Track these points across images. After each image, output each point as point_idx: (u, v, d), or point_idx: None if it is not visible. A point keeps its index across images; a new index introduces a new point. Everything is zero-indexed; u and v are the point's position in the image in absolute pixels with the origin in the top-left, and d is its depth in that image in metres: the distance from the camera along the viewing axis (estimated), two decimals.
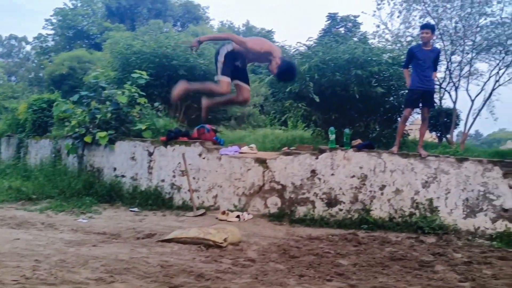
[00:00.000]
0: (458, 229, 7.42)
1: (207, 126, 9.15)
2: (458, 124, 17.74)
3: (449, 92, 16.79)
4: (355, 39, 17.84)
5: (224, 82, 6.80)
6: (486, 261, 5.59)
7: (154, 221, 7.34)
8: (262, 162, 8.18)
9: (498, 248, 6.59)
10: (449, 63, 16.41)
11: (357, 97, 8.90)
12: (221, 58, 6.83)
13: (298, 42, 11.10)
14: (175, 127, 9.77)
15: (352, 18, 30.62)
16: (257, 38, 7.42)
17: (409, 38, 15.89)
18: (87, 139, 9.30)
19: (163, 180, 8.84)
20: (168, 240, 5.71)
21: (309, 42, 10.55)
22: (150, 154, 9.02)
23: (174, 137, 8.88)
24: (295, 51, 10.97)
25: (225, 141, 10.08)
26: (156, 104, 10.87)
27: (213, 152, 8.53)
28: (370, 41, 17.14)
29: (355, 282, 4.36)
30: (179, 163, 8.62)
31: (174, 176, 8.75)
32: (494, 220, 7.41)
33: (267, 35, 36.89)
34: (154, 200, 8.59)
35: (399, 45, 15.57)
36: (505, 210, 7.37)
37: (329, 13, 31.02)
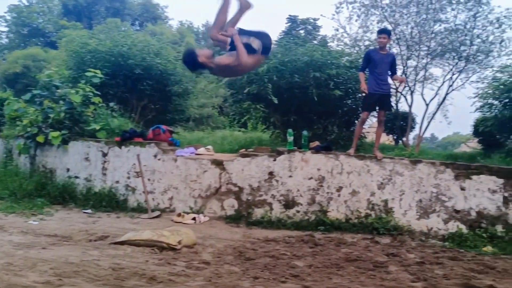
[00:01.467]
0: (412, 230, 7.57)
1: (163, 127, 9.03)
2: (413, 128, 18.10)
3: (405, 96, 17.10)
4: (315, 42, 18.03)
5: None
6: (438, 262, 5.70)
7: (107, 223, 7.18)
8: (219, 163, 8.12)
9: (450, 249, 6.74)
10: (405, 68, 16.72)
11: (315, 100, 8.94)
12: None
13: None
14: (130, 127, 9.59)
15: (312, 21, 30.89)
16: None
17: (367, 42, 16.10)
18: (40, 139, 9.02)
19: (117, 182, 8.67)
20: (121, 243, 5.59)
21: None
22: (105, 154, 8.82)
23: (129, 137, 8.73)
24: None
25: (183, 142, 9.97)
26: (111, 104, 10.64)
27: (169, 153, 8.41)
28: (329, 44, 17.36)
29: (310, 284, 4.36)
30: (134, 164, 8.47)
31: (128, 178, 8.59)
32: (446, 221, 7.58)
33: None
34: (108, 202, 8.42)
35: (357, 48, 15.78)
36: (457, 211, 7.55)
37: (289, 15, 31.25)
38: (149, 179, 8.40)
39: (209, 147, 9.16)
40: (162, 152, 8.44)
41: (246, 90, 9.07)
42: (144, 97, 12.66)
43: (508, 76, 10.90)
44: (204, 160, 8.23)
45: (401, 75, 16.87)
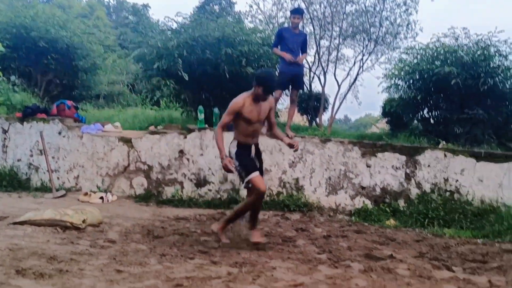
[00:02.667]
0: (321, 206, 7.77)
1: (68, 102, 8.59)
2: (326, 108, 18.52)
3: (318, 76, 17.43)
4: (229, 18, 17.81)
5: None
6: (343, 235, 5.90)
7: (8, 203, 6.76)
8: (127, 141, 7.87)
9: (355, 223, 7.01)
10: (318, 48, 17.00)
11: (227, 77, 8.83)
12: None
13: (166, 17, 10.62)
14: (33, 103, 9.04)
15: None
16: None
17: (281, 20, 16.15)
18: None
19: (19, 160, 8.21)
20: (21, 223, 5.30)
21: (179, 18, 10.23)
22: (5, 131, 8.29)
23: (31, 113, 8.27)
24: (163, 26, 10.58)
25: (92, 120, 9.53)
26: (12, 78, 9.95)
27: (74, 130, 8.03)
28: (244, 21, 17.22)
29: (218, 259, 4.35)
30: (37, 141, 8.00)
31: (31, 156, 8.14)
32: (353, 197, 7.84)
33: (142, 9, 35.40)
34: (10, 181, 7.97)
35: (271, 26, 15.79)
36: (363, 188, 7.84)
37: None
38: (53, 157, 8.01)
39: (117, 124, 8.84)
40: (67, 128, 8.06)
41: (156, 65, 8.76)
42: (49, 72, 11.98)
43: (413, 57, 11.35)
44: (112, 137, 7.93)
45: (315, 55, 17.22)
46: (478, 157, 7.84)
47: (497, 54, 10.34)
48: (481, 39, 10.47)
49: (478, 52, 10.05)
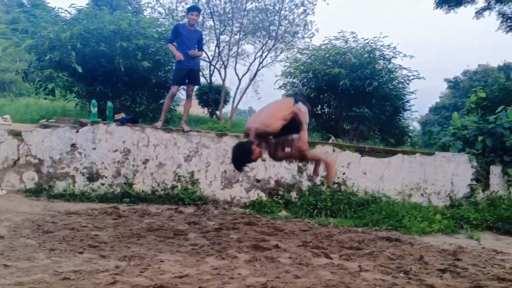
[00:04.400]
0: (217, 199, 7.95)
1: None
2: (228, 101, 18.79)
3: (218, 70, 17.62)
4: (129, 8, 17.43)
5: None
6: (235, 227, 6.09)
7: None
8: (16, 134, 7.51)
9: (248, 215, 7.25)
10: (219, 42, 17.17)
11: (122, 70, 8.71)
12: None
13: (59, 8, 10.16)
14: None
15: None
16: None
17: (181, 14, 16.08)
18: None
19: None
20: None
21: (72, 9, 9.90)
22: None
23: None
24: (56, 17, 10.15)
25: None
26: None
27: None
28: (145, 13, 16.94)
29: (107, 253, 4.36)
30: None
31: None
32: (248, 190, 8.11)
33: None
34: None
35: (171, 19, 15.68)
36: (258, 181, 8.13)
37: None
38: None
39: (6, 116, 8.41)
40: None
41: (48, 56, 8.42)
42: None
43: (307, 57, 11.90)
44: (1, 130, 7.53)
45: (215, 49, 17.38)
46: (363, 152, 8.49)
47: (381, 57, 11.16)
48: (368, 43, 11.24)
49: (365, 55, 10.78)
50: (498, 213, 8.01)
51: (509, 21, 19.80)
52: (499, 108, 9.75)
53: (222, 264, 4.20)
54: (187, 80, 8.31)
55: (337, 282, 3.72)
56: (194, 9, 8.48)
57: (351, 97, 10.83)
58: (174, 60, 8.49)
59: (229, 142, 8.09)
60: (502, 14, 19.79)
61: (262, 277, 3.82)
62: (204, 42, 11.12)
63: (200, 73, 10.29)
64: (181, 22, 11.84)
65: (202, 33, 9.67)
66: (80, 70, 8.47)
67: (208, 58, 17.03)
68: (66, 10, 10.12)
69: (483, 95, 11.55)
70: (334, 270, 4.21)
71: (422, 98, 13.18)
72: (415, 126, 22.94)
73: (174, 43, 8.16)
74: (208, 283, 3.61)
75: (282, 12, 17.08)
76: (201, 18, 16.61)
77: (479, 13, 20.55)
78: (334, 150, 8.38)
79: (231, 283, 3.60)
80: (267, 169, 8.13)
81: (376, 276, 4.11)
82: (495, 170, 9.07)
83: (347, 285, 3.66)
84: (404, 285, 3.84)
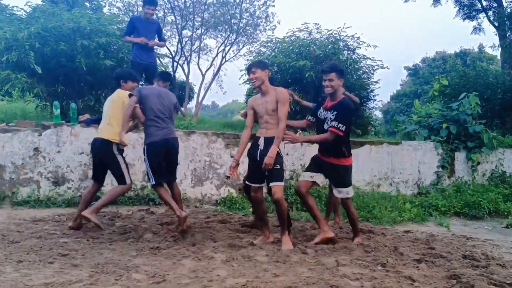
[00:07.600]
0: (188, 197, 7.89)
1: None
2: (192, 97, 18.66)
3: (182, 66, 17.47)
4: (87, 4, 17.01)
5: None
6: (208, 226, 6.04)
7: None
8: None
9: (221, 212, 7.21)
10: (181, 37, 17.00)
11: (84, 69, 8.47)
12: None
13: (14, 6, 9.81)
14: None
15: None
16: None
17: (140, 9, 15.82)
18: None
19: None
20: None
21: (28, 7, 9.54)
22: None
23: None
24: (11, 16, 9.78)
25: None
26: None
27: None
28: (104, 10, 16.57)
29: (79, 261, 4.22)
30: None
31: None
32: (218, 187, 8.07)
33: None
34: None
35: (130, 14, 15.40)
36: (228, 177, 8.08)
37: None
38: None
39: None
40: None
41: (5, 57, 8.11)
42: None
43: (271, 50, 11.87)
44: None
45: (177, 44, 17.20)
46: None
47: (345, 48, 11.23)
48: (332, 34, 11.29)
49: (329, 46, 10.82)
50: (464, 198, 8.24)
51: (465, 8, 20.41)
52: (462, 95, 9.98)
53: (199, 266, 4.13)
54: (144, 77, 8.13)
55: (317, 279, 3.71)
56: (150, 2, 8.06)
57: (317, 89, 10.85)
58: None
59: (197, 140, 8.03)
60: (459, 2, 20.35)
61: (241, 277, 3.77)
62: (164, 33, 10.90)
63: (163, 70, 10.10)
64: (136, 14, 11.58)
65: (163, 27, 9.46)
66: (39, 70, 8.18)
67: (171, 54, 16.85)
68: (22, 9, 9.76)
69: (445, 83, 11.81)
70: (312, 266, 4.20)
71: (383, 87, 13.38)
72: (377, 114, 23.37)
73: (131, 36, 7.97)
74: (188, 287, 3.54)
75: (243, 4, 17.06)
76: (161, 13, 16.45)
77: (436, 1, 21.09)
78: (301, 145, 8.38)
79: (211, 286, 3.55)
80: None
81: (354, 270, 4.12)
82: (460, 156, 9.31)
83: (326, 282, 3.65)
84: (383, 278, 3.87)
